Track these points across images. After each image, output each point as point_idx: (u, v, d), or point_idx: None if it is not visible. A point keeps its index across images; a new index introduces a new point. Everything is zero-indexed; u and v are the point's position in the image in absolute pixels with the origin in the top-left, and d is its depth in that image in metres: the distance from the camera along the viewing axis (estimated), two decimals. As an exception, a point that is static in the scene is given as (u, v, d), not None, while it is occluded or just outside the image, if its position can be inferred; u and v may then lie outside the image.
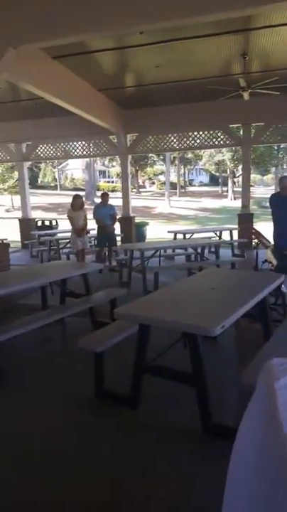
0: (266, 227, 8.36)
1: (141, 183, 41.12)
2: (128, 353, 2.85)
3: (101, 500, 1.95)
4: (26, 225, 11.90)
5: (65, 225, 11.91)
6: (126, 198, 10.94)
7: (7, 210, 25.52)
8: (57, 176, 40.39)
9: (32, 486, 2.06)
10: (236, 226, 9.93)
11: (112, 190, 28.40)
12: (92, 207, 8.41)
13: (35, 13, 4.59)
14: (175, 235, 9.03)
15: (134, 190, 33.65)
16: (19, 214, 12.70)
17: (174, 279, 5.98)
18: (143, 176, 41.29)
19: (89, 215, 7.79)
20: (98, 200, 9.29)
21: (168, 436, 2.44)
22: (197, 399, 2.40)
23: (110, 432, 2.51)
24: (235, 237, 9.64)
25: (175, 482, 2.05)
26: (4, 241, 8.36)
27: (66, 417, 2.70)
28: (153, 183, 43.00)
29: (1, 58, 4.71)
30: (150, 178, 42.68)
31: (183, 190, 39.87)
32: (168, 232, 9.33)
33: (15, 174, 25.95)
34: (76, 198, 7.61)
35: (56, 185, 39.81)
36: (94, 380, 2.91)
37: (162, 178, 40.31)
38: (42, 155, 12.02)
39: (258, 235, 6.87)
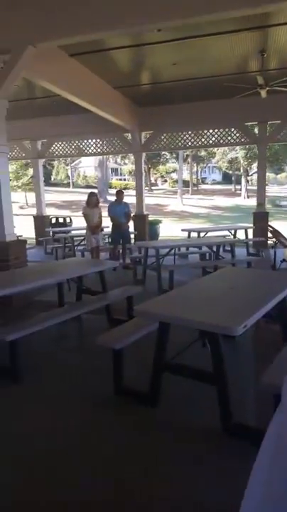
0: (280, 226, 8.28)
1: (153, 181, 41.07)
2: (146, 350, 2.86)
3: (105, 498, 1.95)
4: (41, 222, 12.01)
5: (78, 222, 12.00)
6: (139, 195, 10.94)
7: (21, 207, 25.77)
8: (69, 174, 40.62)
9: (50, 484, 2.07)
10: (251, 225, 9.85)
11: (124, 188, 28.42)
12: (105, 205, 8.44)
13: (54, 11, 4.62)
14: (189, 233, 9.00)
15: (146, 188, 33.56)
16: (33, 211, 12.82)
17: (189, 278, 5.97)
18: (156, 173, 41.21)
19: (103, 213, 7.82)
20: (110, 198, 9.31)
21: (186, 435, 2.43)
22: (218, 398, 2.39)
23: (128, 430, 2.51)
24: (250, 235, 9.57)
25: (190, 482, 2.04)
26: (19, 238, 8.43)
27: (84, 414, 2.71)
28: (166, 180, 42.90)
29: (21, 56, 4.75)
30: (162, 176, 42.59)
31: (196, 188, 39.69)
32: (182, 230, 9.30)
33: (29, 171, 26.25)
34: (91, 195, 7.64)
35: (69, 183, 40.05)
36: (112, 377, 2.92)
37: (174, 175, 40.21)
38: (56, 152, 12.10)
39: (277, 233, 6.79)
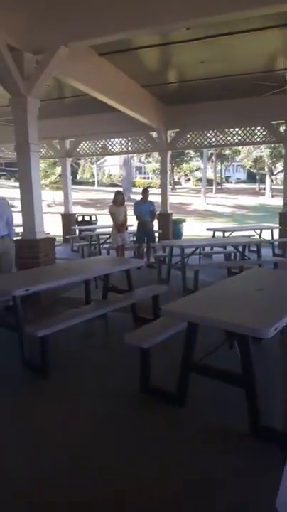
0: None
1: (176, 180, 40.88)
2: (172, 350, 2.87)
3: (127, 498, 1.97)
4: (68, 220, 12.22)
5: (103, 220, 12.13)
6: (164, 194, 10.95)
7: (49, 205, 26.22)
8: (95, 172, 41.01)
9: (70, 482, 2.09)
10: (277, 225, 9.68)
11: (148, 187, 28.44)
12: (128, 203, 8.49)
13: (87, 11, 4.67)
14: (214, 233, 8.93)
15: (169, 186, 33.50)
16: (60, 209, 13.04)
17: (214, 278, 5.94)
18: (179, 172, 41.01)
19: (128, 211, 7.88)
20: (134, 197, 9.36)
21: (213, 437, 2.43)
22: (247, 400, 2.38)
23: (153, 429, 2.53)
24: (276, 236, 9.41)
25: (215, 484, 2.05)
26: (48, 235, 8.60)
27: (110, 412, 2.74)
28: (189, 179, 42.62)
29: (53, 56, 4.84)
30: (185, 175, 42.33)
31: (219, 187, 39.25)
32: (207, 229, 9.24)
33: (57, 170, 26.68)
34: (118, 193, 7.71)
35: (94, 182, 40.42)
36: (138, 375, 2.94)
37: (198, 174, 39.88)
38: (83, 151, 12.25)
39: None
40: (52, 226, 11.10)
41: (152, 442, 2.40)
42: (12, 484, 2.07)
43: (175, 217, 11.78)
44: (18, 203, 5.74)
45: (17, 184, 5.89)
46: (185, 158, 36.47)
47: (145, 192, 8.21)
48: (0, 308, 4.39)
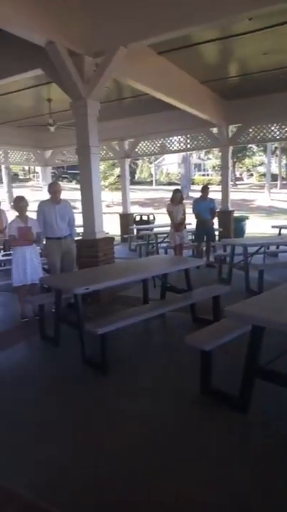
0: None
1: (238, 176, 39.66)
2: (235, 352, 2.74)
3: (179, 500, 1.92)
4: (126, 219, 12.40)
5: (161, 219, 12.12)
6: (225, 191, 10.64)
7: (107, 206, 26.94)
8: (153, 172, 41.26)
9: (126, 480, 2.08)
10: None
11: (208, 184, 27.94)
12: (187, 201, 8.34)
13: (145, 10, 4.64)
14: (280, 230, 8.47)
15: (231, 182, 32.60)
16: (118, 209, 13.28)
17: (280, 279, 5.62)
18: (241, 167, 39.72)
19: (187, 210, 7.74)
20: (192, 195, 9.18)
21: (276, 446, 2.28)
22: None
23: (212, 433, 2.45)
24: None
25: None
26: (107, 235, 8.79)
27: (168, 411, 2.71)
28: (251, 174, 41.09)
29: (113, 57, 4.89)
30: (248, 170, 40.87)
31: (285, 182, 37.31)
32: (272, 227, 8.79)
33: (115, 171, 27.27)
34: (176, 192, 7.62)
35: (151, 181, 40.69)
36: (198, 376, 2.87)
37: (261, 169, 38.29)
38: (141, 151, 12.33)
39: None
40: (110, 226, 11.34)
41: (213, 446, 2.33)
42: (71, 483, 2.09)
43: (237, 214, 11.39)
44: (79, 204, 5.91)
45: (78, 186, 6.05)
46: (248, 153, 35.20)
47: (204, 189, 8.02)
48: (63, 306, 4.53)
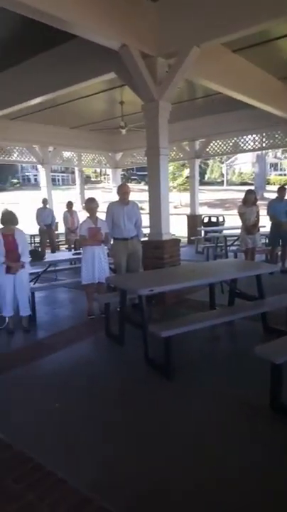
0: None
1: None
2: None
3: None
4: (193, 221, 12.22)
5: (231, 221, 11.72)
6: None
7: (175, 207, 26.92)
8: (224, 172, 40.33)
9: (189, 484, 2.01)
10: None
11: (285, 184, 26.52)
12: (261, 202, 7.91)
13: (216, 8, 4.49)
14: None
15: (309, 183, 30.60)
16: (186, 210, 13.13)
17: None
18: None
19: (262, 211, 7.35)
20: (268, 196, 8.70)
21: None
22: None
23: (280, 451, 2.28)
24: None
25: None
26: (173, 237, 8.73)
27: (233, 422, 2.60)
28: None
29: (186, 58, 4.80)
30: None
31: None
32: None
33: (184, 172, 27.14)
34: (249, 193, 7.28)
35: (222, 181, 39.78)
36: (268, 389, 2.69)
37: None
38: (213, 151, 12.07)
39: None
40: (177, 227, 11.26)
41: (280, 464, 2.17)
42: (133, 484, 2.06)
43: None
44: (146, 206, 5.92)
45: (146, 187, 6.08)
46: None
47: (281, 190, 7.55)
48: (128, 305, 4.56)
